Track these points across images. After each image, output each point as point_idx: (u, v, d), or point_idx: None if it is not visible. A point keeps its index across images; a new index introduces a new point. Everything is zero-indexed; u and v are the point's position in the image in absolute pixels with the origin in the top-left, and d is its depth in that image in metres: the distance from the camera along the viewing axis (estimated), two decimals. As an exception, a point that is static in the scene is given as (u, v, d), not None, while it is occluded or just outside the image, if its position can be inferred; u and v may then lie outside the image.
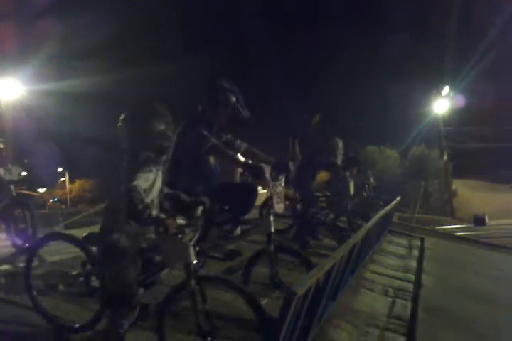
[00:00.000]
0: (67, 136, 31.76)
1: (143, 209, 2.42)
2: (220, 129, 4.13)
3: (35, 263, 3.54)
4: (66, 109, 26.99)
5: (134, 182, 2.49)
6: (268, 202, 3.79)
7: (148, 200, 2.56)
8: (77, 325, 3.02)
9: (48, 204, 39.50)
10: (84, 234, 2.95)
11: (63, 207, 41.50)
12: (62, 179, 46.58)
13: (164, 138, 2.66)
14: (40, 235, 5.53)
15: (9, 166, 5.99)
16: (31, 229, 5.47)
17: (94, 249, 2.93)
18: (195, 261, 2.53)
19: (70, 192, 46.32)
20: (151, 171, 2.63)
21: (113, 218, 2.61)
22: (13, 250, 5.47)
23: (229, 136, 4.20)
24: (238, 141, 4.20)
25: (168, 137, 2.68)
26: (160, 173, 2.71)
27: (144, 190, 2.56)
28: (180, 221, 2.53)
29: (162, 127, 2.64)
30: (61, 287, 3.05)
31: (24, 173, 6.26)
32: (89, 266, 3.00)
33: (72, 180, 47.31)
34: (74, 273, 3.07)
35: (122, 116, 2.69)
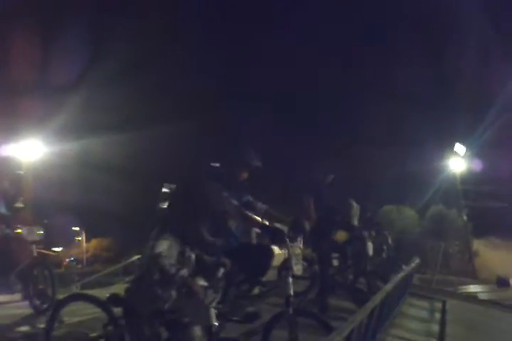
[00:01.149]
0: (85, 198, 32.44)
1: (175, 272, 2.49)
2: (240, 189, 4.21)
3: (56, 324, 3.55)
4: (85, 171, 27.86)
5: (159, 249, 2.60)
6: (286, 264, 3.81)
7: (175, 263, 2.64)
8: None
9: (64, 263, 39.33)
10: (107, 294, 2.99)
11: (79, 266, 41.26)
12: (79, 238, 46.63)
13: None
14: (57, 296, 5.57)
15: (31, 227, 6.13)
16: (51, 289, 5.50)
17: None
18: (215, 324, 2.55)
19: (87, 251, 46.22)
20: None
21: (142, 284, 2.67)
22: (28, 311, 5.47)
23: (250, 198, 4.26)
24: (259, 204, 4.26)
25: None
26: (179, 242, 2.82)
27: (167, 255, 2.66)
28: (203, 282, 2.57)
29: None
30: None
31: (41, 232, 6.38)
32: (110, 328, 3.01)
33: (88, 240, 47.32)
34: (94, 334, 3.07)
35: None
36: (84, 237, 46.69)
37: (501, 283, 17.27)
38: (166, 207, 3.15)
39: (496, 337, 6.32)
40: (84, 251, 45.82)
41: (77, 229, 45.54)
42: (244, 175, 4.15)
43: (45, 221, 6.58)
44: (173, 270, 2.53)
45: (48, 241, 6.60)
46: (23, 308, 5.58)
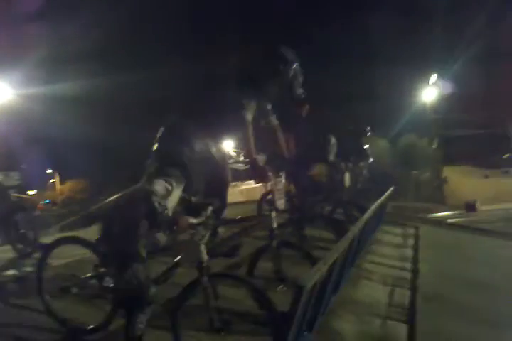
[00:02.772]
0: (57, 140, 31.59)
1: (161, 209, 2.51)
2: (263, 99, 3.91)
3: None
4: (56, 112, 26.87)
5: (154, 187, 2.60)
6: (269, 198, 3.84)
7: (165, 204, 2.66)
8: (90, 327, 3.09)
9: (39, 206, 39.23)
10: (97, 236, 3.02)
11: (55, 208, 41.27)
12: (53, 180, 46.26)
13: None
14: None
15: (7, 172, 6.03)
16: (33, 232, 5.52)
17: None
18: (206, 259, 2.62)
19: (61, 193, 46.03)
20: (171, 183, 2.76)
21: (126, 222, 2.69)
22: (11, 255, 5.51)
23: (268, 107, 4.03)
24: (274, 116, 4.08)
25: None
26: (180, 186, 2.83)
27: (162, 197, 2.66)
28: (192, 219, 2.61)
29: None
30: (74, 290, 3.10)
31: (18, 177, 6.31)
32: (101, 269, 3.07)
33: (62, 182, 46.97)
34: (85, 275, 3.12)
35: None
36: (58, 179, 46.33)
37: (469, 207, 18.00)
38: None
39: (463, 258, 6.66)
40: (58, 193, 45.63)
41: (51, 171, 45.08)
42: (278, 86, 3.85)
43: (22, 166, 6.46)
44: (161, 209, 2.56)
45: (23, 185, 6.54)
46: (6, 252, 5.61)
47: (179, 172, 2.89)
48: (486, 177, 21.54)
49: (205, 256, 2.60)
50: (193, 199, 2.92)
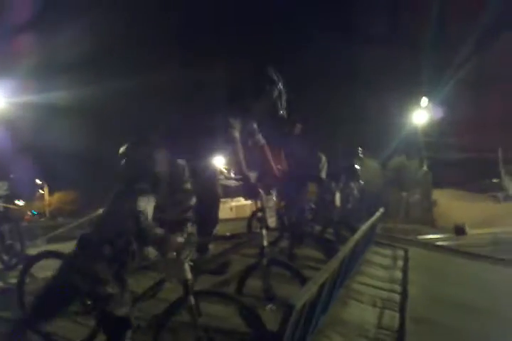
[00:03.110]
0: (47, 149, 31.42)
1: (149, 229, 2.49)
2: (248, 118, 4.08)
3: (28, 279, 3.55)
4: (47, 121, 26.80)
5: (140, 207, 2.58)
6: (259, 215, 3.83)
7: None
8: None
9: (26, 217, 38.79)
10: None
11: (42, 219, 40.80)
12: (41, 191, 45.89)
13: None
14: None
15: (-5, 181, 5.96)
16: (19, 243, 5.44)
17: None
18: (190, 277, 2.60)
19: (49, 204, 45.63)
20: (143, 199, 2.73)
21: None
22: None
23: (255, 127, 4.18)
24: (260, 136, 4.22)
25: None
26: (152, 199, 2.79)
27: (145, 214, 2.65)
28: (180, 238, 2.59)
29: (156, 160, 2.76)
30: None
31: (6, 187, 6.22)
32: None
33: (51, 193, 46.61)
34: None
35: (123, 148, 2.81)
36: (47, 190, 45.97)
37: (458, 231, 18.08)
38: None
39: (452, 281, 6.65)
40: (47, 204, 45.23)
41: (40, 182, 44.71)
42: (262, 106, 4.03)
43: (12, 175, 6.39)
44: (150, 228, 2.55)
45: (11, 195, 6.45)
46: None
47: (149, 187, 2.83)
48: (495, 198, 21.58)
49: (189, 275, 2.58)
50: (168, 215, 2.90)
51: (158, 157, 2.79)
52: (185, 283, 2.58)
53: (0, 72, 19.72)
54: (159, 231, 2.65)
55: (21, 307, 3.31)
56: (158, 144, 2.90)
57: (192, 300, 2.55)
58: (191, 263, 2.65)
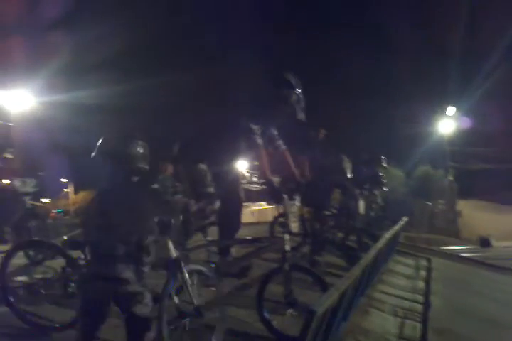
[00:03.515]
0: (78, 148, 31.97)
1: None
2: (268, 124, 4.14)
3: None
4: (76, 120, 27.18)
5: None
6: (282, 220, 3.82)
7: None
8: (58, 325, 3.14)
9: (51, 215, 39.36)
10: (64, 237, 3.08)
11: (67, 217, 41.35)
12: (67, 190, 46.56)
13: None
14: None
15: (24, 178, 6.07)
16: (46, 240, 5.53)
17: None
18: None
19: (74, 203, 46.21)
20: None
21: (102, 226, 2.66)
22: (22, 261, 5.52)
23: (274, 132, 4.23)
24: (280, 142, 4.26)
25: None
26: None
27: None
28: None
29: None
30: (41, 290, 3.18)
31: (34, 184, 6.33)
32: (68, 270, 3.16)
33: (76, 192, 47.22)
34: (52, 276, 3.17)
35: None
36: (72, 188, 46.60)
37: (484, 243, 17.78)
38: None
39: (475, 293, 6.55)
40: (71, 202, 45.80)
41: (66, 180, 45.43)
42: (281, 111, 4.08)
43: (40, 173, 6.51)
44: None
45: (38, 193, 6.57)
46: (18, 259, 5.61)
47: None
48: None
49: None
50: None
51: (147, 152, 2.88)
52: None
53: (30, 72, 20.12)
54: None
55: (4, 294, 3.40)
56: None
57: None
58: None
